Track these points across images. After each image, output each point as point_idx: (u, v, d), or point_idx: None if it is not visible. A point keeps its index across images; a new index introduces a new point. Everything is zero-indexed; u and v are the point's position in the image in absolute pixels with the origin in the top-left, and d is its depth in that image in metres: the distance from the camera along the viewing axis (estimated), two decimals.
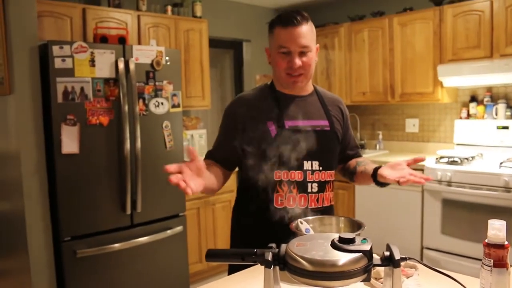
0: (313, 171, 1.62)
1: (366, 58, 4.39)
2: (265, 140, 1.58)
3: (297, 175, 1.60)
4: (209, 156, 1.72)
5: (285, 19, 1.57)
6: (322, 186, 1.65)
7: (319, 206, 1.64)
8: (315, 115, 1.69)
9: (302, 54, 1.58)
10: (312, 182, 1.62)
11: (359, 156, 1.89)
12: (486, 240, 1.03)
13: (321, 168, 1.64)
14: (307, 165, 1.61)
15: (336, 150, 1.74)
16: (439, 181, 3.50)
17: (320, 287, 0.97)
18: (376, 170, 1.62)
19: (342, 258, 0.94)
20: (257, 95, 1.71)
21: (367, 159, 1.84)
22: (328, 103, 1.77)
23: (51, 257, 2.85)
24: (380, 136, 4.70)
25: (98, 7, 3.53)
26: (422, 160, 1.55)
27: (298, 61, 1.58)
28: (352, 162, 1.84)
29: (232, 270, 1.54)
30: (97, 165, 2.94)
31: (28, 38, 2.70)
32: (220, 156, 1.69)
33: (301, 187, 1.60)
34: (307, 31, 1.58)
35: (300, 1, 4.96)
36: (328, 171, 1.68)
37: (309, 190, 1.62)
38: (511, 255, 1.06)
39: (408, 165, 1.56)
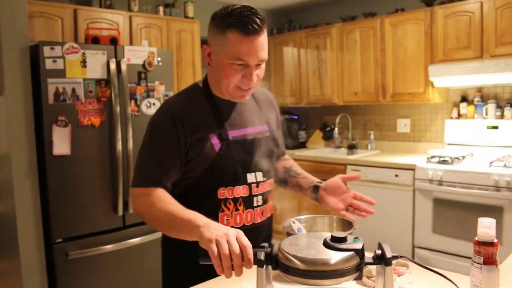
0: (258, 183, 1.48)
1: (357, 58, 4.40)
2: (208, 156, 1.40)
3: (242, 191, 1.45)
4: (149, 182, 1.37)
5: (245, 24, 1.30)
6: (265, 197, 1.52)
7: (263, 219, 1.53)
8: (255, 121, 1.53)
9: (257, 65, 1.37)
10: (257, 195, 1.48)
11: (284, 153, 1.76)
12: (476, 238, 1.05)
13: (264, 179, 1.51)
14: (251, 177, 1.46)
15: (275, 155, 1.60)
16: (430, 181, 3.52)
17: (312, 286, 0.97)
18: (315, 189, 1.59)
19: (334, 257, 0.95)
20: (191, 103, 1.45)
21: (295, 164, 1.75)
22: (264, 103, 1.61)
23: (43, 259, 2.83)
24: (372, 136, 4.72)
25: (89, 8, 3.52)
26: (358, 178, 1.52)
27: (255, 77, 1.37)
28: (280, 168, 1.72)
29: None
30: (88, 167, 2.93)
31: (19, 38, 2.68)
32: (163, 178, 1.38)
33: (247, 202, 1.46)
34: (265, 39, 1.36)
35: (292, 2, 4.98)
36: (270, 180, 1.56)
37: (255, 204, 1.48)
38: (500, 252, 1.07)
39: (345, 181, 1.54)
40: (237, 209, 1.45)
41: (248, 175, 1.46)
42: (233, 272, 1.05)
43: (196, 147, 1.39)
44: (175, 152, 1.39)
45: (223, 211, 1.43)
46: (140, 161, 1.43)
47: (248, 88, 1.40)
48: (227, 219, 1.43)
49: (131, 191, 1.41)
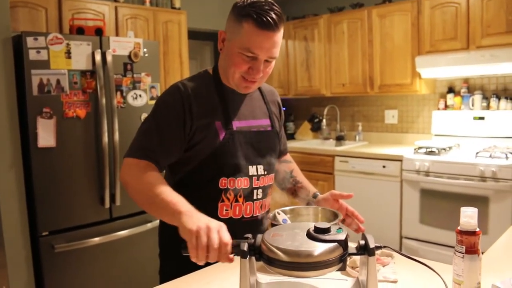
0: (258, 177, 1.48)
1: (345, 49, 4.40)
2: (211, 143, 1.40)
3: (243, 182, 1.45)
4: (144, 154, 1.36)
5: (262, 17, 1.30)
6: (265, 191, 1.53)
7: (262, 213, 1.53)
8: (259, 114, 1.55)
9: (266, 62, 1.38)
10: (257, 189, 1.49)
11: (286, 151, 1.79)
12: (458, 227, 1.05)
13: (265, 173, 1.51)
14: (252, 170, 1.47)
15: (277, 151, 1.61)
16: (417, 172, 3.54)
17: (295, 277, 0.97)
18: (312, 201, 1.62)
19: (318, 248, 0.94)
20: (201, 88, 1.45)
21: (296, 169, 1.76)
22: (269, 98, 1.63)
23: (29, 252, 2.81)
24: (360, 127, 4.74)
25: None
26: (349, 197, 1.54)
27: (262, 72, 1.38)
28: (281, 170, 1.72)
29: (165, 278, 1.41)
30: (74, 159, 2.90)
31: (1, 29, 2.63)
32: (159, 155, 1.37)
33: (248, 194, 1.46)
34: (280, 37, 1.36)
35: None
36: (271, 175, 1.56)
37: (255, 197, 1.48)
38: (486, 242, 1.08)
39: (336, 199, 1.55)
40: (237, 201, 1.44)
41: (250, 167, 1.46)
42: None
43: (200, 132, 1.39)
44: (178, 133, 1.38)
45: (223, 201, 1.43)
46: (140, 133, 1.42)
47: (252, 81, 1.40)
48: (226, 210, 1.43)
49: (124, 160, 1.38)
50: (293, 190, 1.69)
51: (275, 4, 1.35)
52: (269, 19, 1.30)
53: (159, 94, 3.27)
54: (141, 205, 1.33)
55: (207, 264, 1.12)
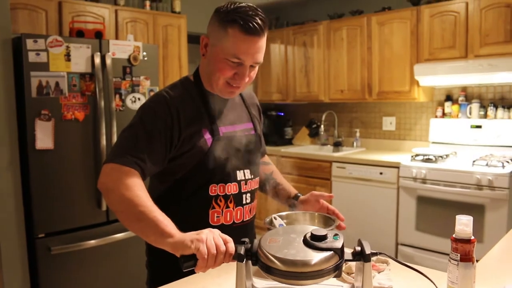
0: (246, 181, 1.48)
1: (344, 56, 4.42)
2: (200, 151, 1.38)
3: (232, 188, 1.44)
4: (132, 161, 1.27)
5: (247, 23, 1.29)
6: (253, 195, 1.53)
7: (251, 217, 1.54)
8: (242, 118, 1.54)
9: (251, 67, 1.37)
10: (246, 193, 1.48)
11: (265, 153, 1.75)
12: (453, 235, 1.06)
13: (252, 176, 1.51)
14: (240, 175, 1.46)
15: (260, 154, 1.62)
16: (414, 179, 3.55)
17: (291, 285, 0.97)
18: (292, 205, 1.65)
19: (314, 258, 0.94)
20: (185, 96, 1.42)
21: (275, 171, 1.77)
22: (249, 102, 1.62)
23: (25, 254, 2.80)
24: (358, 134, 4.75)
25: (74, 1, 3.47)
26: (330, 198, 1.61)
27: (247, 77, 1.37)
28: (261, 173, 1.69)
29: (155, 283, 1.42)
30: (72, 161, 2.90)
31: (1, 30, 2.64)
32: (147, 163, 1.30)
33: (237, 199, 1.46)
34: (264, 42, 1.36)
35: None
36: (257, 178, 1.56)
37: (244, 202, 1.48)
38: (482, 250, 1.08)
39: (317, 199, 1.59)
40: (227, 207, 1.44)
41: (238, 172, 1.46)
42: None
43: (189, 141, 1.37)
44: (165, 143, 1.34)
45: (213, 208, 1.42)
46: (124, 139, 1.33)
47: (237, 86, 1.39)
48: (217, 216, 1.42)
49: (106, 166, 1.28)
50: (274, 192, 1.71)
51: (259, 9, 1.34)
52: (255, 24, 1.29)
53: None
54: (121, 217, 1.23)
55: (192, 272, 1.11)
